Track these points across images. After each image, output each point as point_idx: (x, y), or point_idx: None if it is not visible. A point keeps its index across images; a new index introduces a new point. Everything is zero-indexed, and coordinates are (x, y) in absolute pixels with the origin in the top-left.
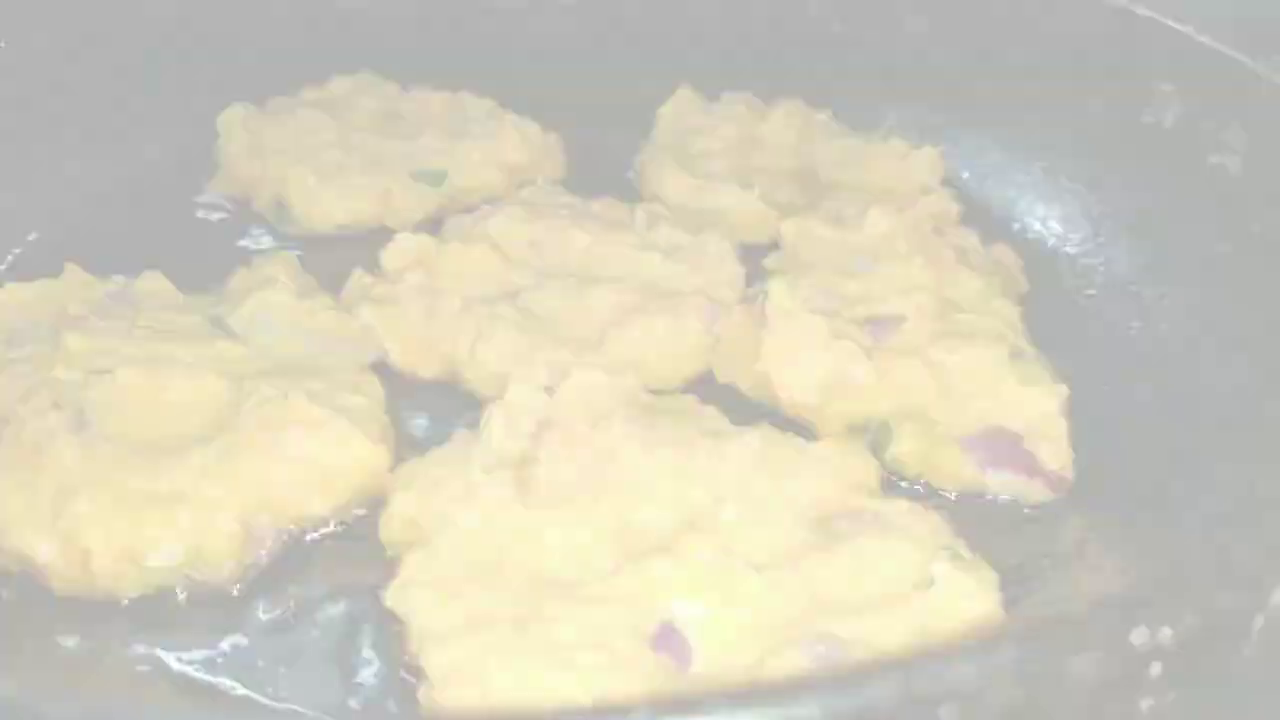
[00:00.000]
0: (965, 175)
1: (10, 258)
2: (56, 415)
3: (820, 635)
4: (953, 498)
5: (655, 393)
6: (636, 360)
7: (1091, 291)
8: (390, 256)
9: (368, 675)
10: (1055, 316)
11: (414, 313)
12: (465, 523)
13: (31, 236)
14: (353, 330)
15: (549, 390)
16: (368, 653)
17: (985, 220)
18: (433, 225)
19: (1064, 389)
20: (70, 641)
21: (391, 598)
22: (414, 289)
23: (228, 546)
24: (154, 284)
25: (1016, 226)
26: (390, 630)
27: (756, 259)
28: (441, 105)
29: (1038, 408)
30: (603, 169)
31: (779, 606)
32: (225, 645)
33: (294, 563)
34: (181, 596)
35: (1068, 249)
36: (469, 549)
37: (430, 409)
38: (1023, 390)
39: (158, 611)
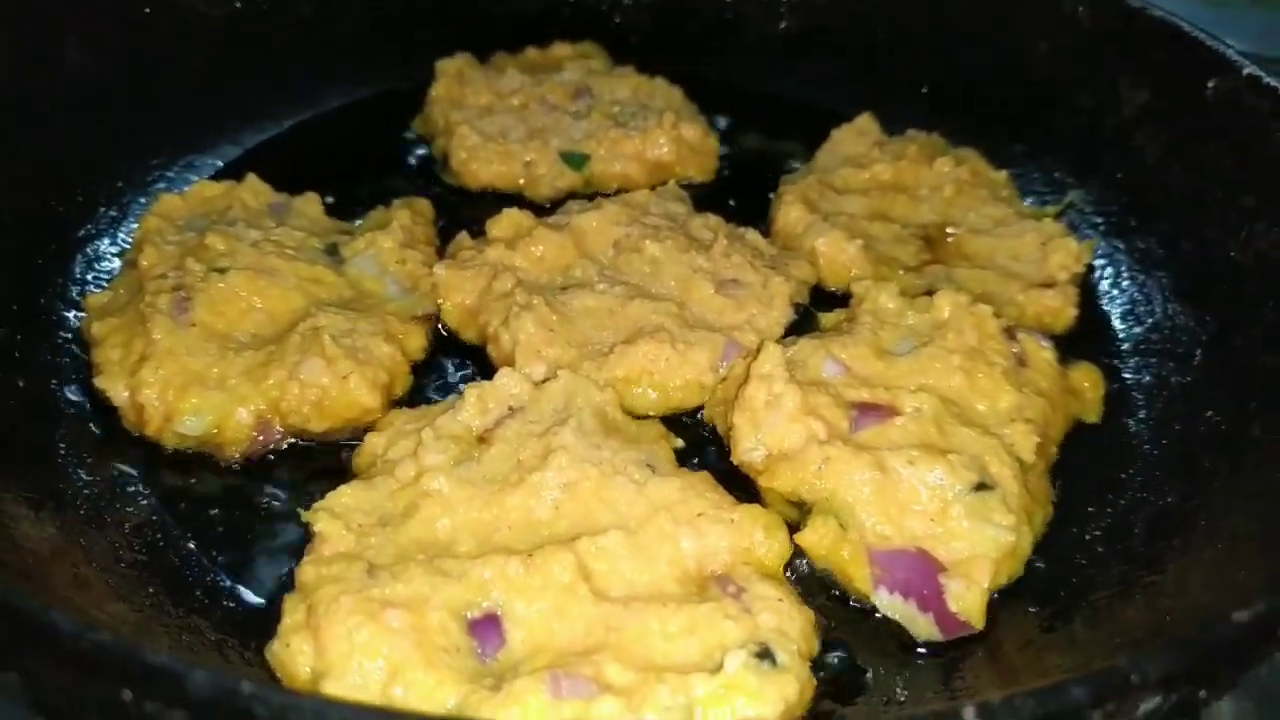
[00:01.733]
0: (1124, 282)
1: (234, 156)
2: (168, 297)
3: (590, 675)
4: (854, 602)
5: (633, 414)
6: (635, 380)
7: (1160, 454)
8: (493, 226)
9: (270, 572)
10: (1103, 459)
11: (474, 281)
12: (400, 473)
13: (252, 142)
14: (426, 285)
15: (539, 385)
16: (281, 554)
17: (1102, 338)
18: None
19: (1009, 538)
20: (124, 465)
21: (307, 514)
22: (489, 260)
23: (240, 433)
24: (309, 205)
25: (1135, 360)
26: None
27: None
28: (631, 89)
29: (972, 546)
30: (756, 181)
31: (586, 634)
32: (211, 504)
33: (285, 460)
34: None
35: (1177, 404)
36: (390, 495)
37: (457, 369)
38: (966, 524)
39: (186, 463)
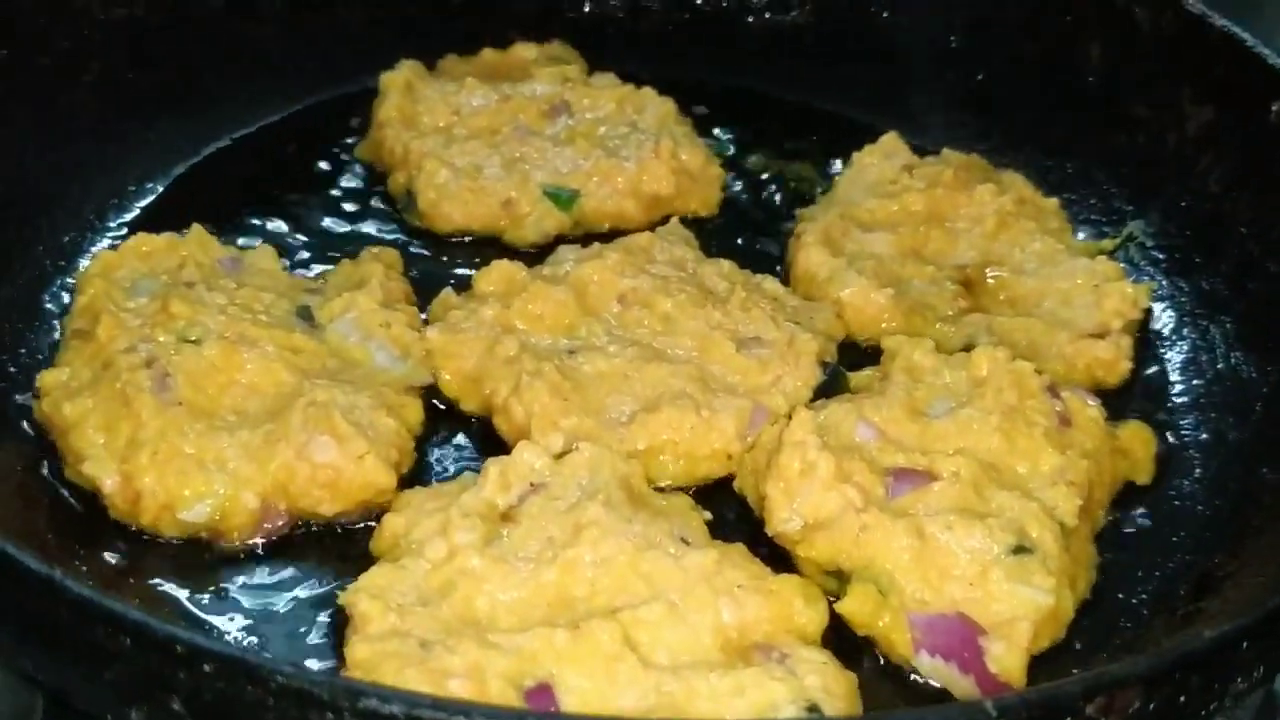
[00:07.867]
0: (1185, 329)
1: (151, 199)
2: (146, 373)
3: None
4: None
5: (659, 488)
6: (659, 448)
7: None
8: (482, 280)
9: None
10: (1153, 521)
11: (473, 347)
12: (430, 554)
13: (169, 180)
14: (417, 351)
15: (558, 457)
16: (315, 637)
17: (1158, 392)
18: (553, 246)
19: (1048, 600)
20: (112, 558)
21: (345, 596)
22: (484, 322)
23: (245, 518)
24: (264, 259)
25: (1192, 416)
26: (340, 621)
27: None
28: (615, 102)
29: (1012, 609)
30: (766, 213)
31: (639, 699)
32: (221, 595)
33: (295, 546)
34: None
35: (1233, 463)
36: (424, 576)
37: (459, 443)
38: (1005, 587)
39: (186, 553)
